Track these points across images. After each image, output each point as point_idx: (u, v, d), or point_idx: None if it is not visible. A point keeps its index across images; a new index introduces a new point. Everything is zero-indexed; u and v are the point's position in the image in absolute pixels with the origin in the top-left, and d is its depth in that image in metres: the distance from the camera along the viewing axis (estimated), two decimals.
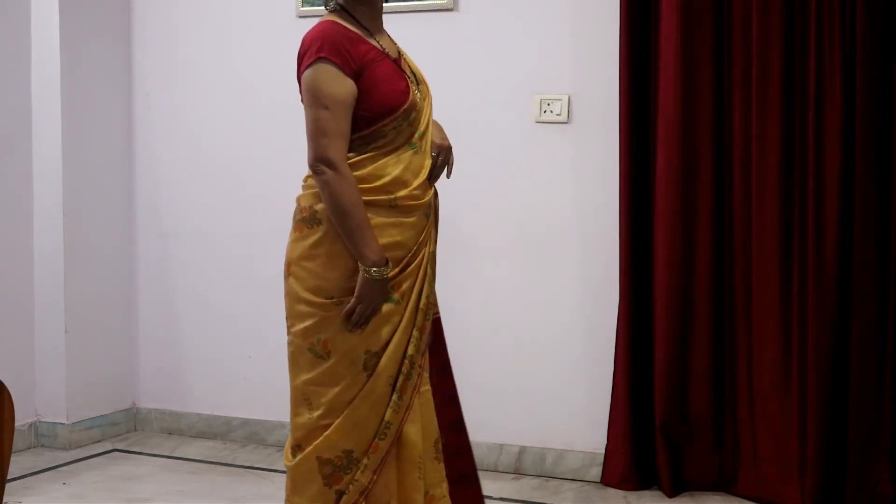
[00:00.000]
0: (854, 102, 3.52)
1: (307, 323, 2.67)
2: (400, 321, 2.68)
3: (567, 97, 4.01)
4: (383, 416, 2.67)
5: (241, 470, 4.21)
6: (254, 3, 4.51)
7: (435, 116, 2.85)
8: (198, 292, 4.65)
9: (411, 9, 4.18)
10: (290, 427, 2.76)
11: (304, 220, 2.70)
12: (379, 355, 2.67)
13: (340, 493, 2.68)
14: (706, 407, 3.83)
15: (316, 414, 2.68)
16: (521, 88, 4.07)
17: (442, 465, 2.84)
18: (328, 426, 2.67)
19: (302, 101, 2.71)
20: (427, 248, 2.76)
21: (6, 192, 4.38)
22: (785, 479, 3.68)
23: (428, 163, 2.75)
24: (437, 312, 2.90)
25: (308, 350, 2.68)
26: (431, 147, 2.77)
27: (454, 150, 2.88)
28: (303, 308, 2.68)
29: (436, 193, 2.82)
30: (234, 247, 4.56)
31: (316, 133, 2.62)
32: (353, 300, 2.62)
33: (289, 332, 2.73)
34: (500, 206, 4.12)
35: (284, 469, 2.78)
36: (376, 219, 2.64)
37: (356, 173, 2.63)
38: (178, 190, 4.66)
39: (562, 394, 4.06)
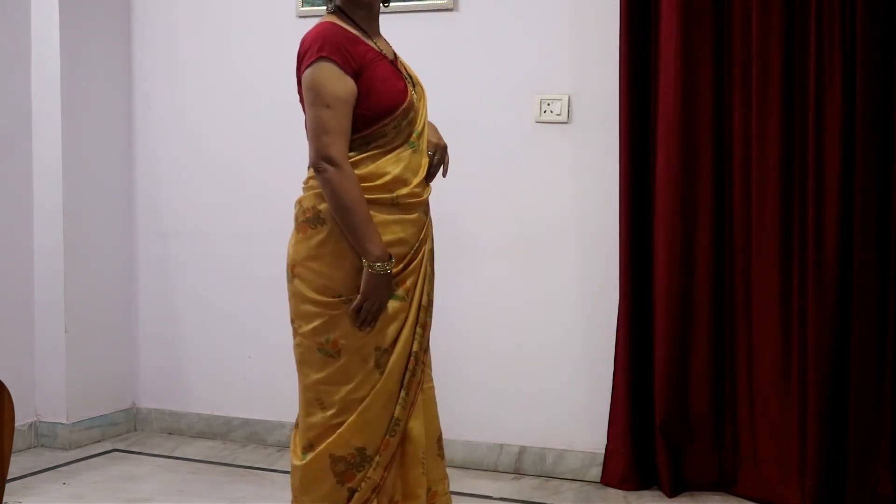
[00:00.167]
0: (854, 102, 3.52)
1: (315, 323, 2.68)
2: (406, 318, 2.72)
3: (567, 97, 4.01)
4: (393, 412, 2.70)
5: (241, 470, 4.20)
6: (254, 3, 4.51)
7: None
8: (198, 292, 4.65)
9: (411, 9, 4.18)
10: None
11: (308, 221, 2.71)
12: (389, 352, 2.69)
13: (352, 491, 2.70)
14: (706, 407, 3.83)
15: (329, 413, 2.69)
16: (521, 88, 4.07)
17: (444, 461, 2.89)
18: (341, 424, 2.68)
19: (302, 100, 2.73)
20: (426, 245, 2.79)
21: (6, 192, 4.38)
22: (785, 479, 3.68)
23: (425, 161, 2.78)
24: None
25: (318, 350, 2.69)
26: (428, 146, 2.80)
27: (452, 150, 2.92)
28: (310, 308, 2.69)
29: None
30: (234, 247, 4.56)
31: (318, 131, 2.63)
32: (359, 297, 2.64)
33: (296, 334, 2.74)
34: (501, 206, 4.12)
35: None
36: (379, 216, 2.66)
37: (358, 172, 2.65)
38: (178, 190, 4.66)
39: (562, 394, 4.06)
